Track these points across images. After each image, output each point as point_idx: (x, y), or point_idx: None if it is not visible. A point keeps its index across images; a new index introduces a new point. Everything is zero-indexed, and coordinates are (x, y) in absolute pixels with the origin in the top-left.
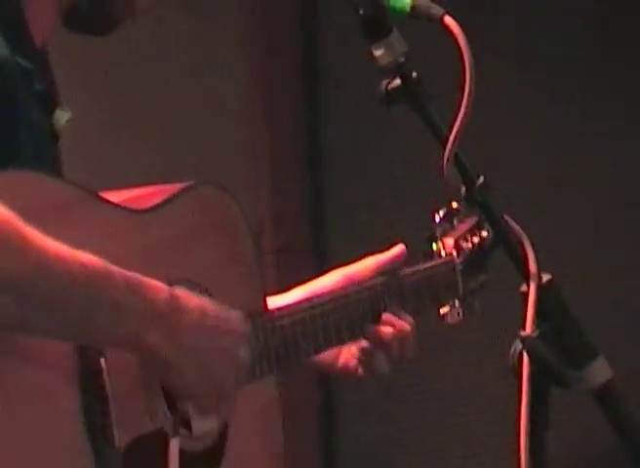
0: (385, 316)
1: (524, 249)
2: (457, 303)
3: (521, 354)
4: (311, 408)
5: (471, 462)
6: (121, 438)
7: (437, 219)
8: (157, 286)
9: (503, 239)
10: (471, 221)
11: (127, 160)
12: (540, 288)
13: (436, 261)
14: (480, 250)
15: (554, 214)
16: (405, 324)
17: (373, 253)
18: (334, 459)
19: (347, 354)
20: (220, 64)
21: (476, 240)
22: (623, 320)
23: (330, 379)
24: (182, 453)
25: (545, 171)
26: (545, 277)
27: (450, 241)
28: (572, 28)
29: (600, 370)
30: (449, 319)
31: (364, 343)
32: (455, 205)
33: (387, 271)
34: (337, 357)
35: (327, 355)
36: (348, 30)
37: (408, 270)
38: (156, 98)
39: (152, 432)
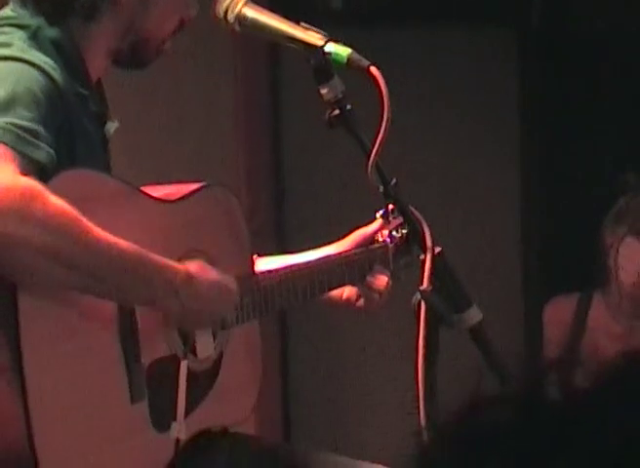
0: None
1: (423, 229)
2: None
3: (419, 302)
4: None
5: (386, 375)
6: (145, 358)
7: (378, 215)
8: (178, 267)
9: (409, 222)
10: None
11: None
12: (433, 256)
13: (375, 246)
14: (407, 238)
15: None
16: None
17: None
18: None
19: (348, 293)
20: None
21: (404, 231)
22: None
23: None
24: (190, 372)
25: (437, 175)
26: (437, 249)
27: (385, 232)
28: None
29: (474, 314)
30: None
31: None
32: (390, 207)
33: (338, 253)
34: (341, 294)
35: (334, 293)
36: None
37: (355, 251)
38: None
39: (168, 356)
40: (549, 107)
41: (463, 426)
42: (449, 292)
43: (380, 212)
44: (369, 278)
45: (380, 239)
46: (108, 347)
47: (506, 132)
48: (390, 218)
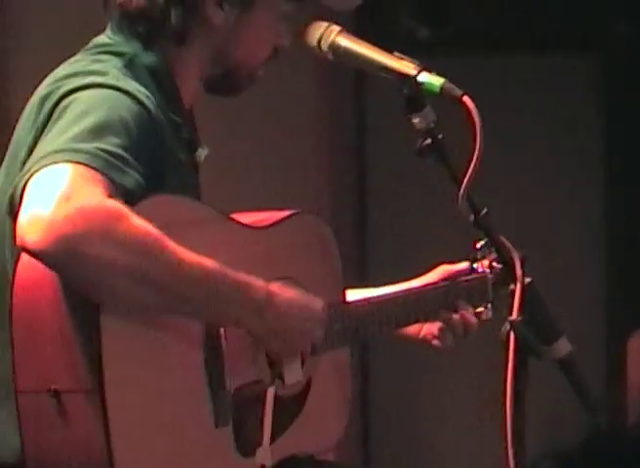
0: (460, 307)
1: (513, 259)
2: (488, 306)
3: (509, 333)
4: None
5: (470, 405)
6: (231, 384)
7: (478, 246)
8: (258, 284)
9: (499, 251)
10: None
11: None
12: (523, 286)
13: (475, 276)
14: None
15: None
16: (471, 316)
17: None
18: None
19: (427, 330)
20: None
21: None
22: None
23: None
24: (276, 397)
25: (520, 200)
26: (527, 279)
27: (486, 262)
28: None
29: (563, 346)
30: (482, 316)
31: (440, 324)
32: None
33: (446, 281)
34: (419, 331)
35: (411, 329)
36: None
37: (455, 281)
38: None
39: (255, 381)
40: (633, 132)
41: (585, 457)
42: (538, 322)
43: (481, 242)
44: (448, 313)
45: (481, 269)
46: (193, 370)
47: (590, 158)
48: (492, 249)
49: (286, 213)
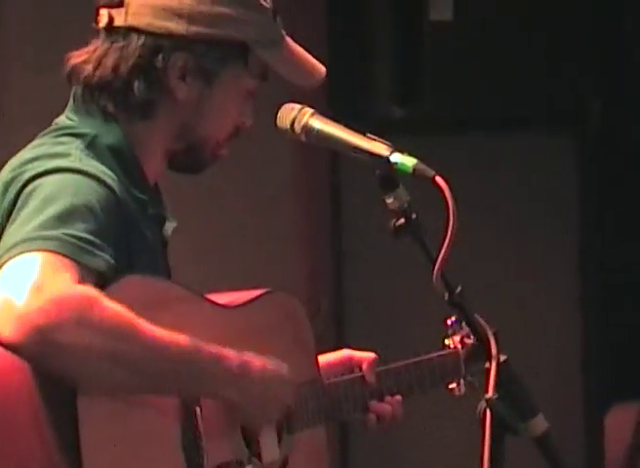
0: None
1: (487, 337)
2: (461, 382)
3: (485, 410)
4: None
5: None
6: (209, 463)
7: (449, 323)
8: (232, 354)
9: (474, 330)
10: None
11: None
12: (498, 364)
13: (446, 352)
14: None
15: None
16: (392, 407)
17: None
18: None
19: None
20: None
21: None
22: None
23: None
24: None
25: (498, 282)
26: (502, 357)
27: (457, 338)
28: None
29: (540, 423)
30: (455, 392)
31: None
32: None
33: (345, 363)
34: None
35: None
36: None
37: (426, 356)
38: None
39: (232, 461)
40: (610, 212)
41: None
42: (514, 400)
43: (452, 318)
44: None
45: (452, 345)
46: (171, 454)
47: (567, 237)
48: (463, 324)
49: (257, 292)
